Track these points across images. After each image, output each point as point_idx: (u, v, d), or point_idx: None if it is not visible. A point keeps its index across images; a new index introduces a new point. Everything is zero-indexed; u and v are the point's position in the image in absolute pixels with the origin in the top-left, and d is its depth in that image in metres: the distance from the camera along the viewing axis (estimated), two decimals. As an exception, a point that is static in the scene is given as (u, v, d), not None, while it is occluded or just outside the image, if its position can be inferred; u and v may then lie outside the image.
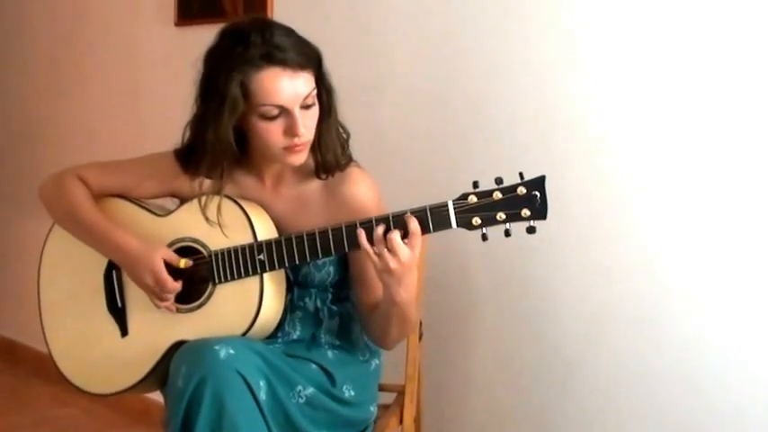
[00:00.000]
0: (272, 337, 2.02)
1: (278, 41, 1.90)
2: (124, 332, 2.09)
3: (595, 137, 2.26)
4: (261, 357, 1.89)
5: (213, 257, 1.99)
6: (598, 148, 2.26)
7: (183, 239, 2.05)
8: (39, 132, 4.17)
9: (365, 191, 2.03)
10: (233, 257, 1.97)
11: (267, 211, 2.05)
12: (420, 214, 1.85)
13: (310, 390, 1.95)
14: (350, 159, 2.06)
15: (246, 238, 1.98)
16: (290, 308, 2.05)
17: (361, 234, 1.87)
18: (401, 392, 2.28)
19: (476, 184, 1.84)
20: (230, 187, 2.05)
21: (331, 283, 2.08)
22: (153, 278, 1.99)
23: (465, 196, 1.84)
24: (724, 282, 2.07)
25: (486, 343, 2.52)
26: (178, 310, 2.02)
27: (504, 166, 1.88)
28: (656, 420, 2.20)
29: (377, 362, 2.16)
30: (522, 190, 1.81)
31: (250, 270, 1.96)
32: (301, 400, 1.94)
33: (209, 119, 1.95)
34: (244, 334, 1.95)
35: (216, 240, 2.00)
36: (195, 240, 2.03)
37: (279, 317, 2.01)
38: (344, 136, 2.06)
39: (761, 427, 2.04)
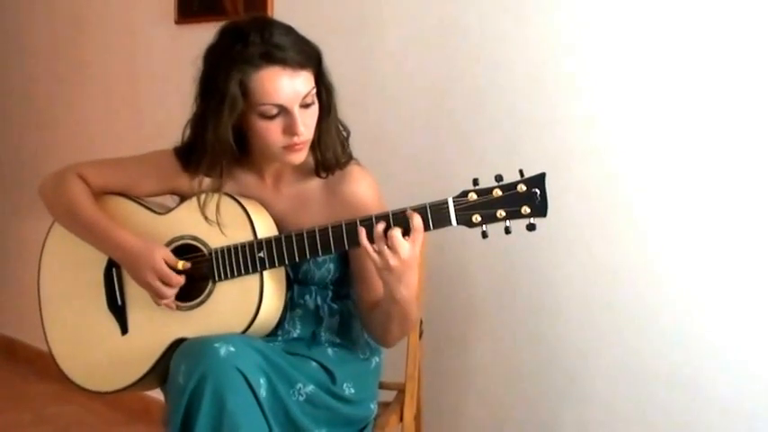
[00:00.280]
0: (272, 334, 2.02)
1: (277, 40, 1.90)
2: (124, 330, 2.09)
3: (596, 135, 2.26)
4: (261, 355, 1.89)
5: (213, 255, 1.99)
6: (598, 147, 2.26)
7: (182, 237, 2.05)
8: (39, 129, 4.17)
9: (365, 189, 2.03)
10: (233, 255, 1.97)
11: (267, 210, 2.05)
12: (420, 212, 1.85)
13: (310, 387, 1.96)
14: (350, 157, 2.06)
15: (246, 236, 1.98)
16: (290, 306, 2.05)
17: (362, 232, 1.87)
18: (401, 390, 2.28)
19: (476, 182, 1.84)
20: (230, 185, 2.05)
21: (331, 281, 2.08)
22: (155, 275, 1.99)
23: (465, 194, 1.84)
24: (724, 282, 2.07)
25: (487, 341, 2.52)
26: (178, 308, 2.02)
27: (504, 163, 1.87)
28: (657, 420, 2.19)
29: (377, 360, 2.16)
30: (522, 187, 1.81)
31: (250, 268, 1.96)
32: (301, 398, 1.94)
33: (208, 117, 1.95)
34: (244, 332, 1.95)
35: (216, 238, 2.00)
36: (195, 238, 2.03)
37: (279, 315, 2.01)
38: (344, 134, 2.06)
39: (761, 427, 2.04)
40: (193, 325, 1.99)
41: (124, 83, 3.68)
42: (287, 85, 1.90)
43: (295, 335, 2.05)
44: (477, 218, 1.83)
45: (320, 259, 2.02)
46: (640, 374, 2.22)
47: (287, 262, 1.96)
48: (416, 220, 1.84)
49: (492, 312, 2.50)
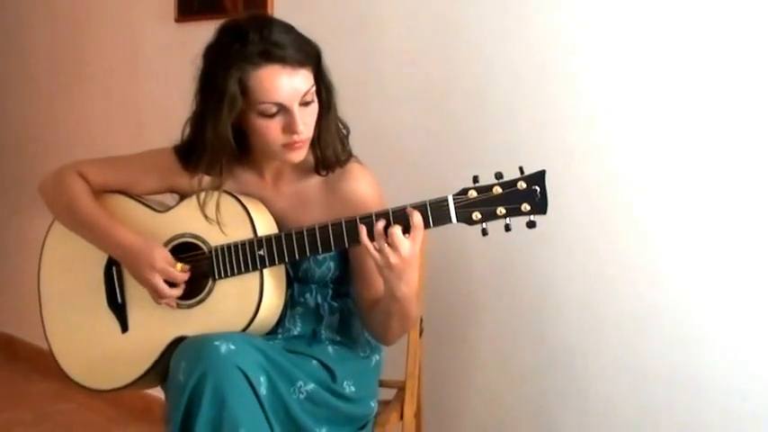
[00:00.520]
0: (272, 332, 2.02)
1: (276, 38, 1.90)
2: (124, 328, 2.09)
3: (596, 135, 2.26)
4: (261, 353, 1.89)
5: (213, 253, 1.99)
6: (599, 146, 2.26)
7: (182, 235, 2.05)
8: (39, 129, 4.17)
9: (365, 186, 2.03)
10: (233, 253, 1.97)
11: (267, 208, 2.05)
12: (420, 209, 1.85)
13: (311, 385, 1.96)
14: (350, 155, 2.06)
15: (246, 234, 1.98)
16: (290, 304, 2.05)
17: (362, 229, 1.87)
18: (402, 388, 2.28)
19: (476, 179, 1.84)
20: (230, 183, 2.05)
21: (331, 279, 2.08)
22: (157, 272, 1.99)
23: (465, 191, 1.84)
24: (724, 281, 2.07)
25: (487, 339, 2.52)
26: (178, 306, 2.02)
27: (505, 163, 1.87)
28: (657, 420, 2.19)
29: (377, 357, 2.16)
30: (522, 184, 1.81)
31: (250, 266, 1.96)
32: (302, 396, 1.94)
33: (207, 116, 1.94)
34: (244, 330, 1.95)
35: (216, 236, 2.00)
36: (195, 236, 2.03)
37: (279, 312, 2.01)
38: (344, 132, 2.06)
39: (761, 427, 2.04)
40: (193, 323, 1.99)
41: (124, 82, 3.68)
42: (286, 84, 1.90)
43: (295, 333, 2.05)
44: (477, 215, 1.83)
45: (320, 257, 2.02)
46: (640, 374, 2.22)
47: (287, 260, 1.96)
48: (416, 218, 1.84)
49: (492, 311, 2.50)
